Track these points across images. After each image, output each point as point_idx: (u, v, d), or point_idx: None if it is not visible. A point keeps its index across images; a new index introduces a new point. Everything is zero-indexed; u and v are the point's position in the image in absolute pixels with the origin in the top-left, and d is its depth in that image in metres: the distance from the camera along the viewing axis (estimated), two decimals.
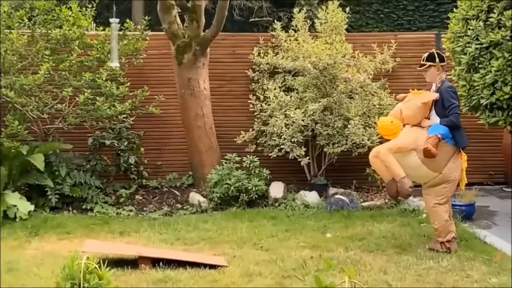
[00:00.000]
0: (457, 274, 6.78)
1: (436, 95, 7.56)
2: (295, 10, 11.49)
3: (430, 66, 7.74)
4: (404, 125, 7.64)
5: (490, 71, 8.71)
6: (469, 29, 9.08)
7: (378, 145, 10.10)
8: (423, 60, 7.82)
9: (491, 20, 8.80)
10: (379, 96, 10.66)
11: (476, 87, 8.90)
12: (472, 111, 9.10)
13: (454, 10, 9.61)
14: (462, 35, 9.22)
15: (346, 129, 10.34)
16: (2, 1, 10.51)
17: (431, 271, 6.90)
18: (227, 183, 9.99)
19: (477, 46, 8.91)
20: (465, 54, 9.07)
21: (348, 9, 11.35)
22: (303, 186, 10.63)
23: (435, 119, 7.56)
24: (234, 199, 10.03)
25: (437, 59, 7.71)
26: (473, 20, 9.07)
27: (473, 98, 8.94)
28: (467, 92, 9.02)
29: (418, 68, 7.97)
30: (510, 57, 8.57)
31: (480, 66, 8.90)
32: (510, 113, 8.72)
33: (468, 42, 9.06)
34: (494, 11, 8.82)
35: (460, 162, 7.64)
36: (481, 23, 8.94)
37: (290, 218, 9.41)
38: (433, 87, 7.74)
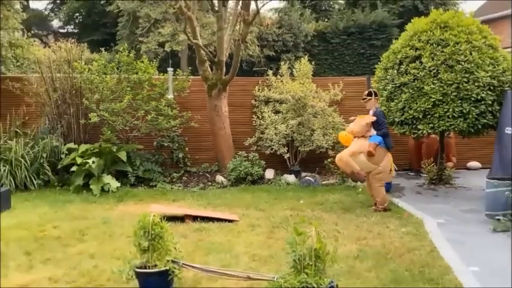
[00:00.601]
0: (381, 226, 6.81)
1: (374, 118, 7.63)
2: (282, 63, 11.51)
3: (369, 99, 7.83)
4: (354, 137, 7.72)
5: (401, 101, 8.76)
6: (388, 74, 9.14)
7: (331, 148, 10.24)
8: (365, 95, 7.91)
9: (401, 69, 8.85)
10: (332, 116, 10.64)
11: (392, 111, 8.95)
12: (390, 126, 9.13)
13: (378, 63, 9.66)
14: (383, 78, 9.27)
15: (312, 137, 10.35)
16: (100, 56, 10.49)
17: (364, 223, 6.94)
18: (239, 170, 9.98)
19: (392, 85, 8.97)
20: (385, 90, 9.12)
21: (313, 62, 11.36)
22: (285, 172, 10.58)
23: (373, 132, 7.63)
24: (243, 179, 9.99)
25: (373, 95, 7.83)
26: (390, 69, 9.13)
27: (390, 117, 8.97)
28: (387, 113, 9.05)
29: (361, 100, 7.99)
30: (413, 93, 8.63)
31: (394, 97, 8.96)
32: (413, 127, 8.76)
33: (387, 83, 9.12)
34: (403, 63, 8.88)
35: (390, 158, 7.75)
36: (395, 71, 8.99)
37: (277, 191, 9.38)
38: (371, 112, 7.79)
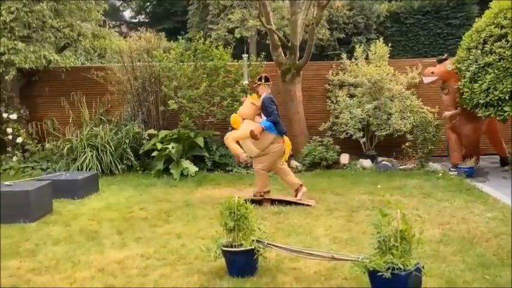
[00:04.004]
0: (464, 211, 6.72)
1: (258, 102, 7.41)
2: (357, 46, 11.45)
3: (259, 84, 7.58)
4: (243, 119, 7.44)
5: (485, 82, 8.52)
6: (471, 54, 8.90)
7: (409, 131, 10.12)
8: (257, 80, 7.69)
9: (486, 48, 8.59)
10: (410, 100, 10.50)
11: (476, 92, 8.72)
12: (473, 108, 8.91)
13: (457, 43, 9.44)
14: (466, 58, 9.03)
15: (389, 121, 10.27)
16: (177, 44, 10.86)
17: (447, 208, 6.86)
18: (313, 154, 10.09)
19: (476, 66, 8.73)
20: (468, 71, 8.89)
21: (389, 44, 11.22)
22: (361, 156, 10.57)
23: (263, 117, 7.40)
24: (318, 164, 10.08)
25: (263, 80, 7.54)
26: (473, 48, 8.88)
27: (474, 99, 8.76)
28: (469, 96, 8.84)
29: (253, 85, 7.87)
30: (498, 73, 8.37)
31: (478, 78, 8.72)
32: (499, 109, 8.51)
33: (470, 64, 8.89)
34: (488, 42, 8.61)
35: (282, 144, 7.41)
36: (479, 51, 8.74)
37: (353, 176, 9.43)
38: (261, 99, 7.47)
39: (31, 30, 10.32)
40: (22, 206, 6.58)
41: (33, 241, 5.78)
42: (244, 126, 7.33)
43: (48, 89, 11.36)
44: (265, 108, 7.35)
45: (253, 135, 7.13)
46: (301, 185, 7.52)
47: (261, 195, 7.43)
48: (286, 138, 7.59)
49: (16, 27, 9.98)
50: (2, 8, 9.88)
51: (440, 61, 9.55)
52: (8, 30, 10.01)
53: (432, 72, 9.49)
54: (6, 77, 10.10)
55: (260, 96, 7.55)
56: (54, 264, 5.02)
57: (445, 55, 9.80)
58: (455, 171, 9.17)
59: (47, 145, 10.62)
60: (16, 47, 9.90)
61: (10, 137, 10.73)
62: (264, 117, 7.39)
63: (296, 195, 7.46)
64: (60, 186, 7.79)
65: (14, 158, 10.61)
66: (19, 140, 10.61)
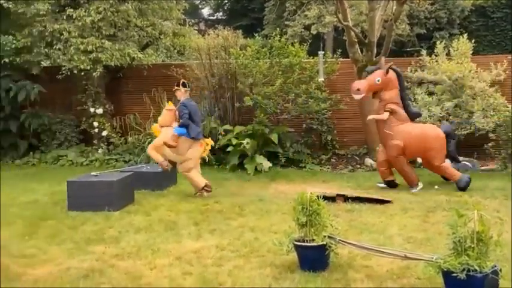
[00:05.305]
0: None
1: (173, 108, 7.83)
2: (438, 42, 11.14)
3: (177, 89, 7.78)
4: (161, 127, 7.86)
5: None
6: None
7: (492, 130, 9.73)
8: (176, 85, 7.85)
9: None
10: (494, 97, 10.09)
11: None
12: None
13: None
14: None
15: (471, 119, 9.94)
16: (253, 41, 11.07)
17: None
18: None
19: None
20: None
21: (472, 40, 10.81)
22: None
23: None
24: None
25: (180, 86, 7.76)
26: None
27: None
28: None
29: (172, 90, 7.93)
30: None
31: None
32: None
33: None
34: None
35: (199, 148, 7.77)
36: None
37: (431, 175, 9.12)
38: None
39: (117, 29, 10.94)
40: (107, 195, 7.02)
41: (117, 229, 6.17)
42: (162, 135, 7.81)
43: (131, 85, 11.98)
44: (179, 114, 7.70)
45: (168, 146, 7.60)
46: (206, 185, 7.84)
47: (205, 190, 7.80)
48: (208, 140, 8.07)
49: (103, 27, 10.61)
50: (90, 8, 10.53)
51: (370, 72, 8.25)
52: (95, 29, 10.66)
53: (358, 89, 8.01)
54: (94, 74, 10.76)
55: (179, 100, 7.86)
56: (135, 250, 5.35)
57: (380, 64, 8.35)
58: None
59: (130, 138, 11.21)
60: (103, 46, 10.53)
61: (96, 130, 11.45)
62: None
63: (200, 192, 7.86)
64: (141, 178, 8.22)
65: (100, 150, 11.30)
66: (104, 133, 11.28)
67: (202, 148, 7.90)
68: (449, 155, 8.35)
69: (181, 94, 7.83)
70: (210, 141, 8.09)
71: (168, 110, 7.92)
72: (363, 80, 8.31)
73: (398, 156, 8.02)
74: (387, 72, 7.98)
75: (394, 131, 7.93)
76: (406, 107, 8.06)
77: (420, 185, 8.10)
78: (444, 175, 8.26)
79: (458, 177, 7.98)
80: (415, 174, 8.24)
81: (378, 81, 7.99)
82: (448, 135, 8.17)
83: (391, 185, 8.28)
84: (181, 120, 7.65)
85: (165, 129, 7.85)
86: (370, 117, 8.39)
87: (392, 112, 7.94)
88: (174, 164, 7.98)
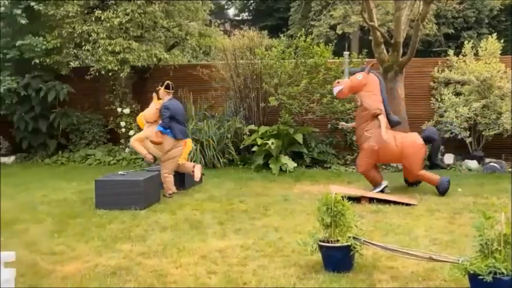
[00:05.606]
0: None
1: (156, 107, 7.99)
2: (465, 42, 10.99)
3: (159, 89, 8.04)
4: (147, 122, 8.07)
5: None
6: None
7: None
8: (160, 86, 8.08)
9: None
10: None
11: None
12: None
13: None
14: None
15: (499, 120, 9.78)
16: (278, 41, 11.08)
17: None
18: None
19: None
20: None
21: (501, 40, 10.63)
22: (466, 157, 10.17)
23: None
24: None
25: (163, 87, 8.00)
26: None
27: None
28: None
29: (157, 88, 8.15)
30: None
31: None
32: None
33: None
34: None
35: (180, 148, 7.98)
36: None
37: (457, 177, 9.10)
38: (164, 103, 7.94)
39: (144, 30, 11.10)
40: (133, 194, 7.14)
41: (143, 227, 6.26)
42: (145, 129, 8.08)
43: (158, 86, 12.08)
44: (160, 114, 7.92)
45: (153, 143, 7.84)
46: (194, 166, 8.24)
47: (170, 195, 7.92)
48: (188, 141, 8.27)
49: (131, 28, 10.78)
50: (118, 10, 10.70)
51: (352, 73, 8.34)
52: (123, 30, 10.83)
53: (338, 82, 8.13)
54: (121, 74, 10.94)
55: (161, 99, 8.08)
56: (161, 249, 5.42)
57: (367, 64, 8.35)
58: None
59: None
60: (130, 46, 10.69)
61: (123, 130, 11.62)
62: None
63: (194, 174, 8.16)
64: None
65: (126, 150, 11.47)
66: (131, 132, 11.43)
67: (185, 148, 8.17)
68: (429, 160, 8.30)
69: (163, 95, 8.05)
70: (190, 142, 8.42)
71: (156, 109, 8.06)
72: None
73: (368, 160, 7.92)
74: (368, 72, 7.97)
75: (374, 134, 7.80)
76: (386, 114, 7.92)
77: (384, 183, 7.96)
78: (424, 181, 8.10)
79: (437, 182, 7.84)
80: (380, 175, 8.15)
81: (359, 77, 7.95)
82: (429, 140, 8.03)
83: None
84: (161, 122, 7.88)
85: (148, 125, 8.09)
86: (383, 133, 7.70)
87: (380, 114, 7.78)
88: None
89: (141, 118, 8.32)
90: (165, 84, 8.07)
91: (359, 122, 8.00)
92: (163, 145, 7.87)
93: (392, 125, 7.99)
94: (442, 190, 7.77)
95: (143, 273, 4.74)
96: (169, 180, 7.97)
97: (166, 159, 7.96)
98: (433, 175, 7.98)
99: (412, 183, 8.30)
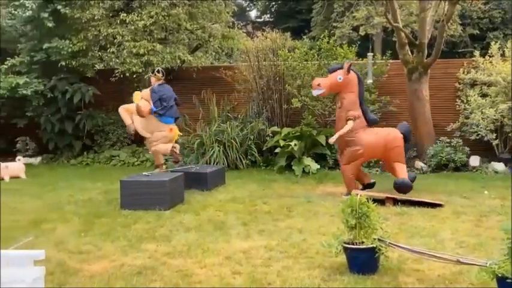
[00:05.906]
0: None
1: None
2: (492, 43, 10.83)
3: (151, 76, 8.46)
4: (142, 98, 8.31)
5: None
6: None
7: None
8: (157, 72, 8.39)
9: None
10: None
11: None
12: None
13: None
14: None
15: None
16: (301, 43, 11.08)
17: None
18: (440, 156, 9.78)
19: None
20: None
21: None
22: (493, 159, 10.02)
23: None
24: (445, 166, 9.79)
25: (155, 72, 8.36)
26: None
27: None
28: None
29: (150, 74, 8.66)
30: None
31: None
32: None
33: None
34: None
35: (166, 133, 8.27)
36: None
37: (484, 179, 9.00)
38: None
39: (168, 32, 11.20)
40: (158, 194, 7.20)
41: (168, 227, 6.31)
42: (137, 103, 8.31)
43: (181, 87, 12.19)
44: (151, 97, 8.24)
45: (138, 109, 8.07)
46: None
47: (158, 168, 8.41)
48: (173, 126, 8.40)
49: (155, 30, 10.89)
50: (143, 13, 10.83)
51: (331, 71, 7.95)
52: (147, 33, 10.94)
53: (318, 84, 7.80)
54: (145, 76, 11.05)
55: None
56: (186, 249, 5.46)
57: (347, 62, 8.06)
58: None
59: (179, 139, 11.41)
60: (154, 49, 10.80)
61: None
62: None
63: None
64: (191, 178, 8.37)
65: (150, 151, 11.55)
66: None
67: (170, 133, 8.35)
68: None
69: (154, 80, 8.41)
70: (176, 130, 8.53)
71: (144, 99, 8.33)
72: (325, 78, 8.17)
73: (351, 163, 7.85)
74: (348, 71, 7.79)
75: (356, 137, 7.72)
76: (364, 113, 7.83)
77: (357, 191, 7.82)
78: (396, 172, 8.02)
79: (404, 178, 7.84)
80: (355, 184, 8.09)
81: (340, 79, 7.74)
82: (405, 137, 7.98)
83: (370, 185, 8.19)
84: (153, 107, 8.19)
85: (142, 100, 8.32)
86: (333, 138, 7.90)
87: (354, 119, 7.71)
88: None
89: (137, 94, 8.53)
90: (156, 70, 8.48)
91: (339, 124, 7.90)
92: (147, 123, 8.24)
93: (370, 123, 7.96)
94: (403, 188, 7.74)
95: (168, 273, 4.77)
96: (160, 154, 8.54)
97: (155, 139, 8.34)
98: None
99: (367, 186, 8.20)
